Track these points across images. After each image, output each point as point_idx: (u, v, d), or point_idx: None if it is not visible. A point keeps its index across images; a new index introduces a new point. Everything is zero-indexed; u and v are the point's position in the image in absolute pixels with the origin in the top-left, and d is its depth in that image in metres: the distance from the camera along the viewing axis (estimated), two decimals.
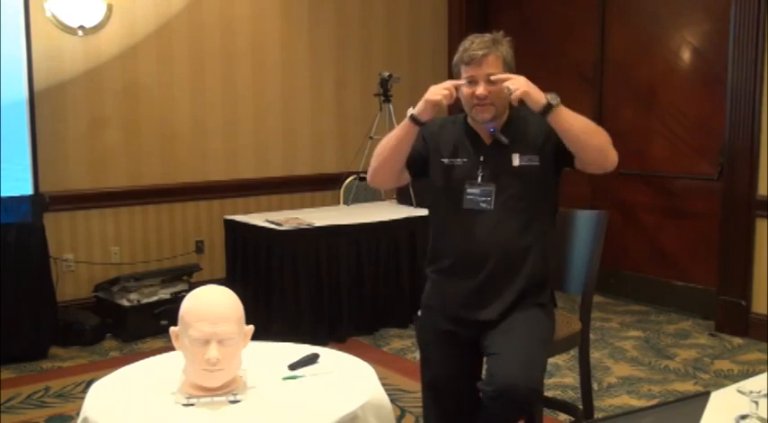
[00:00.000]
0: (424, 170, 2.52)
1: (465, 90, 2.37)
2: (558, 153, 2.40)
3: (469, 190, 2.40)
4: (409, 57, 5.93)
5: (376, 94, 5.13)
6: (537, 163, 2.40)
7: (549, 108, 2.26)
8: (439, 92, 2.32)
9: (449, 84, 2.35)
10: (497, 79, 2.31)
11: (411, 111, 2.38)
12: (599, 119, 5.30)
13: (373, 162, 2.50)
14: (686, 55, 4.90)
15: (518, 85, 2.27)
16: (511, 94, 2.28)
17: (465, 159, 2.43)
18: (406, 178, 2.55)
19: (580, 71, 5.42)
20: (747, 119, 4.32)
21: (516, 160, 2.40)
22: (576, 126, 2.30)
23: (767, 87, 4.25)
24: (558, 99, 2.28)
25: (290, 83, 5.47)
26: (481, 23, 5.89)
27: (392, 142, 2.43)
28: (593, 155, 2.32)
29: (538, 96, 2.27)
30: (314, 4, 5.52)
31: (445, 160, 2.46)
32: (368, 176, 2.57)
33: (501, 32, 2.41)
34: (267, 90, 5.38)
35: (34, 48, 4.21)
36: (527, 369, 2.22)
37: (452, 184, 2.43)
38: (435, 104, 2.33)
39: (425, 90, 2.37)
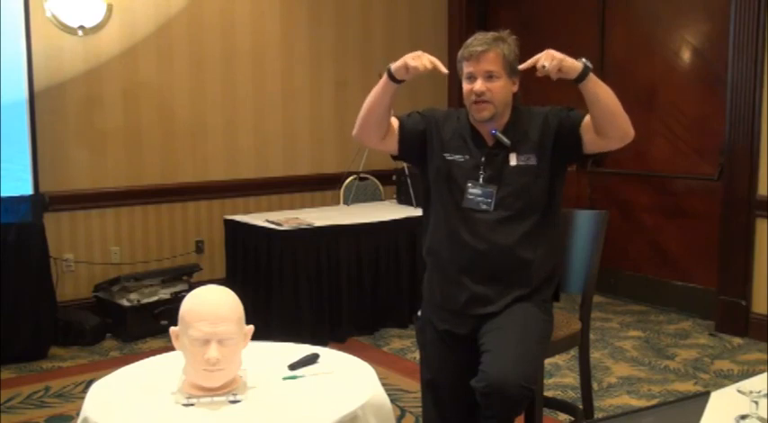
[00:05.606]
0: (415, 150, 2.49)
1: (465, 86, 2.38)
2: (558, 149, 2.38)
3: (471, 190, 2.40)
4: None
5: None
6: (534, 162, 2.39)
7: (586, 72, 2.21)
8: (421, 61, 2.28)
9: (433, 60, 2.30)
10: (525, 67, 2.25)
11: (391, 65, 2.34)
12: None
13: (359, 114, 2.46)
14: (686, 55, 4.90)
15: (549, 58, 2.19)
16: (547, 71, 2.19)
17: (467, 157, 2.43)
18: (391, 145, 2.49)
19: None
20: (747, 119, 4.32)
21: (513, 160, 2.39)
22: (607, 91, 2.26)
23: (767, 87, 4.25)
24: (591, 64, 2.23)
25: (289, 83, 5.47)
26: (481, 23, 5.90)
27: (371, 97, 2.41)
28: (620, 122, 2.27)
29: (573, 63, 2.21)
30: (314, 4, 5.52)
31: (447, 155, 2.45)
32: (354, 129, 2.50)
33: (507, 31, 2.41)
34: (267, 90, 5.38)
35: (34, 48, 4.21)
36: (519, 366, 2.21)
37: (452, 182, 2.43)
38: (412, 70, 2.28)
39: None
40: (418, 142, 2.48)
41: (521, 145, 2.40)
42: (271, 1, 5.34)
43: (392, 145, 2.49)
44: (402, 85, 2.37)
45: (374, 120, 2.42)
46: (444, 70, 2.31)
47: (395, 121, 2.49)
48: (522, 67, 2.28)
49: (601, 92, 2.24)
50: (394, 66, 2.32)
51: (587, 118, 2.33)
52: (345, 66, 5.68)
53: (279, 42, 5.40)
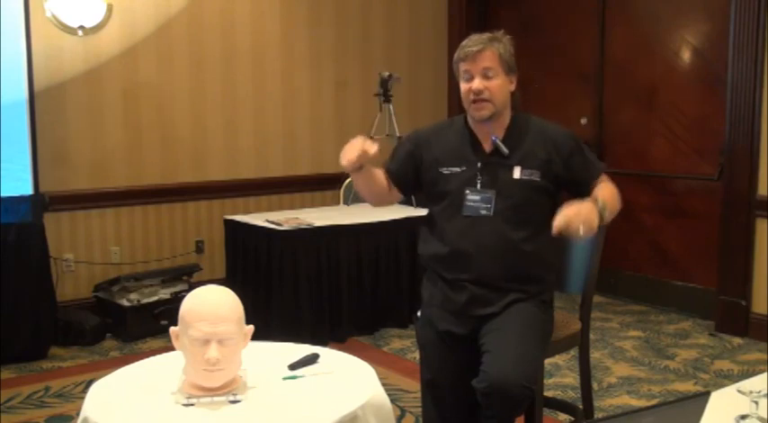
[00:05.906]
0: (414, 182, 2.57)
1: (463, 86, 2.39)
2: (565, 180, 2.43)
3: (470, 196, 2.40)
4: (409, 57, 5.92)
5: (376, 94, 5.11)
6: (538, 179, 2.40)
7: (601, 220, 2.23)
8: (350, 156, 2.31)
9: (363, 147, 2.31)
10: (559, 229, 2.16)
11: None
12: (599, 119, 5.30)
13: None
14: (686, 55, 4.90)
15: (586, 223, 2.15)
16: (581, 235, 2.17)
17: (464, 167, 2.44)
18: (396, 196, 2.62)
19: (580, 71, 5.41)
20: (747, 119, 4.32)
21: (517, 173, 2.40)
22: (613, 208, 2.33)
23: (767, 87, 4.25)
24: (605, 204, 2.25)
25: (289, 83, 5.47)
26: (481, 24, 5.89)
27: (355, 185, 2.61)
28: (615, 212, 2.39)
29: (595, 223, 2.19)
30: (314, 4, 5.52)
31: (443, 169, 2.46)
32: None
33: (502, 31, 2.42)
34: (267, 90, 5.38)
35: (34, 48, 4.21)
36: (519, 366, 2.22)
37: (452, 193, 2.44)
38: (348, 165, 2.35)
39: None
40: (412, 175, 2.55)
41: (524, 158, 2.40)
42: (271, 1, 5.34)
43: (396, 195, 2.62)
44: (372, 160, 2.40)
45: (373, 196, 2.60)
46: (372, 150, 2.31)
47: (384, 174, 2.58)
48: (555, 229, 2.17)
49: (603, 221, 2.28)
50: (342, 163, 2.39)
51: (602, 177, 2.43)
52: (345, 66, 5.67)
53: (279, 42, 5.40)
